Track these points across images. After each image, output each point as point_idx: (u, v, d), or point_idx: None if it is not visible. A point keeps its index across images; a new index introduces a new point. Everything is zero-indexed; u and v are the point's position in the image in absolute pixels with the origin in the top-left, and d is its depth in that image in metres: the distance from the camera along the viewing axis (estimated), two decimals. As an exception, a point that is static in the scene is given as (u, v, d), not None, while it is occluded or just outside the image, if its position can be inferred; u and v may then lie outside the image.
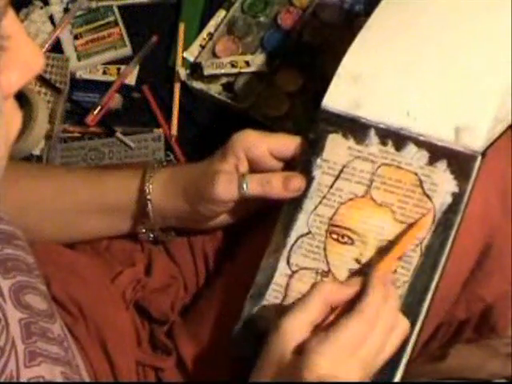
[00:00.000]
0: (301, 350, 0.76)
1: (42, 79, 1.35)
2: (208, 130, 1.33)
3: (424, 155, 0.86)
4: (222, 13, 1.39)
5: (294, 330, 0.77)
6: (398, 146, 0.87)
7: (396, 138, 0.87)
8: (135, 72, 1.38)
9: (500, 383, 1.17)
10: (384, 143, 0.87)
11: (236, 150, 0.88)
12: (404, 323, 0.81)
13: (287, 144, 0.90)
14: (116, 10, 1.41)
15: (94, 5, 1.41)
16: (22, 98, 1.33)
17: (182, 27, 1.39)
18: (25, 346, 0.73)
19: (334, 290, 0.79)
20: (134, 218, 0.94)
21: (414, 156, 0.86)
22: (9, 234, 0.82)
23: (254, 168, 0.90)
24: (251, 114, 1.30)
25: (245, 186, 0.87)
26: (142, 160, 1.32)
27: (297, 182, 0.87)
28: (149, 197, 0.90)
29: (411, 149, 0.86)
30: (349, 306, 0.79)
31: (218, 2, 1.41)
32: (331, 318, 0.79)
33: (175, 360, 0.93)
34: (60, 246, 0.96)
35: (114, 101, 1.36)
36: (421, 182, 0.86)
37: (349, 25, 1.35)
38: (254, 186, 0.87)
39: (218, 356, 0.90)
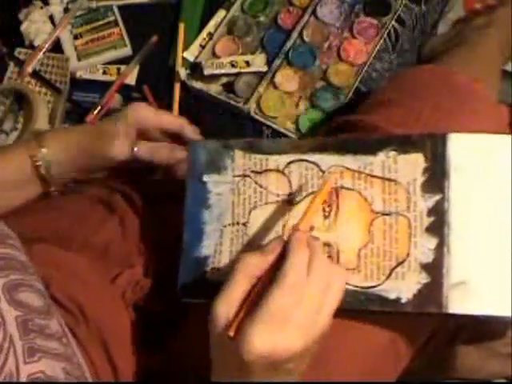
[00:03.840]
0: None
1: (42, 79, 1.35)
2: (208, 130, 1.33)
3: None
4: (222, 13, 1.40)
5: (222, 312, 0.76)
6: None
7: None
8: (135, 72, 1.37)
9: (500, 383, 1.18)
10: None
11: (130, 120, 1.04)
12: (339, 276, 0.77)
13: (174, 120, 1.08)
14: (116, 10, 1.41)
15: (94, 5, 1.41)
16: (22, 98, 1.33)
17: (182, 27, 1.39)
18: (23, 343, 0.73)
19: (256, 261, 0.77)
20: (39, 182, 1.04)
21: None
22: (1, 233, 0.82)
23: (142, 137, 1.05)
24: (251, 114, 1.31)
25: (136, 149, 1.03)
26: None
27: (180, 153, 1.04)
28: (44, 159, 1.02)
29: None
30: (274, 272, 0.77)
31: (218, 2, 1.41)
32: (258, 288, 0.77)
33: (173, 360, 0.93)
34: (59, 249, 0.96)
35: (114, 101, 1.36)
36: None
37: (349, 25, 1.36)
38: (143, 151, 1.03)
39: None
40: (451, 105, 0.94)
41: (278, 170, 0.88)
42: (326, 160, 0.87)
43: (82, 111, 1.34)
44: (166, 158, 1.04)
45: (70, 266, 0.95)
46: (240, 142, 0.91)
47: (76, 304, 0.91)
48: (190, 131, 1.06)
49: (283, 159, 0.88)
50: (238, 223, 0.88)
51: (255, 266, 0.77)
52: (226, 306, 0.76)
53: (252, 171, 0.89)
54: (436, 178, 0.83)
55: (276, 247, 0.78)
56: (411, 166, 0.84)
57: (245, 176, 0.90)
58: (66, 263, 0.95)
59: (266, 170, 0.89)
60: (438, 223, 0.82)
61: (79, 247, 0.98)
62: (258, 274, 0.77)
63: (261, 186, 0.89)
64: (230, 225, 0.89)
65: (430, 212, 0.83)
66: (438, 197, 0.83)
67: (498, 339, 1.16)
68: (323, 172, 0.86)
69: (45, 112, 1.32)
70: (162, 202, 1.02)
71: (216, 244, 0.89)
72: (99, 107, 1.34)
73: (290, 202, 0.87)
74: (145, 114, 1.05)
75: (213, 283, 0.87)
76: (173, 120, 1.07)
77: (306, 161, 0.87)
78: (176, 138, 1.06)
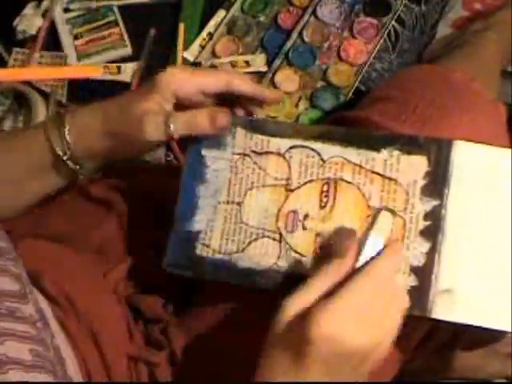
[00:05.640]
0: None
1: (28, 83, 1.34)
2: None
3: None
4: (222, 13, 1.40)
5: (294, 310, 0.75)
6: None
7: None
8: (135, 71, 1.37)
9: (500, 383, 1.17)
10: None
11: (163, 90, 0.88)
12: (405, 299, 0.79)
13: (217, 80, 0.89)
14: (116, 10, 1.42)
15: (94, 5, 1.42)
16: (22, 98, 1.33)
17: (181, 27, 1.39)
18: None
19: (335, 267, 0.77)
20: (61, 169, 0.93)
21: None
22: None
23: (182, 104, 0.90)
24: (251, 114, 1.31)
25: (172, 126, 0.87)
26: (142, 160, 1.32)
27: (222, 117, 0.87)
28: (68, 139, 0.90)
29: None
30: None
31: (218, 1, 1.41)
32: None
33: (168, 355, 0.93)
34: (52, 244, 0.96)
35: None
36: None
37: (349, 25, 1.36)
38: (180, 126, 0.87)
39: (211, 351, 0.90)
40: (447, 100, 0.94)
41: (278, 154, 0.88)
42: (328, 150, 0.86)
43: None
44: (207, 129, 0.87)
45: (62, 260, 0.95)
46: (243, 119, 0.90)
47: (66, 297, 0.90)
48: (240, 85, 0.89)
49: (285, 143, 0.88)
50: (232, 202, 0.88)
51: (335, 271, 0.77)
52: (298, 306, 0.75)
53: (252, 151, 0.89)
54: (437, 183, 0.82)
55: (354, 250, 0.78)
56: (413, 167, 0.83)
57: (245, 155, 0.88)
58: (58, 257, 0.95)
59: (267, 152, 0.88)
60: (433, 228, 0.82)
61: (74, 243, 0.98)
62: (336, 280, 0.76)
63: (260, 168, 0.88)
64: (224, 202, 0.88)
65: (427, 216, 0.82)
66: (436, 202, 0.82)
67: (498, 341, 1.16)
68: (324, 161, 0.86)
69: (44, 112, 1.33)
70: (160, 200, 1.02)
71: (208, 220, 0.88)
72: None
73: (287, 186, 0.87)
74: (180, 80, 0.88)
75: (201, 259, 0.87)
76: (215, 80, 0.89)
77: (308, 148, 0.87)
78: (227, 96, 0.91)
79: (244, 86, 0.89)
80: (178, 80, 0.88)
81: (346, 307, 0.73)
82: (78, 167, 0.92)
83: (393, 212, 0.83)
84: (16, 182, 0.93)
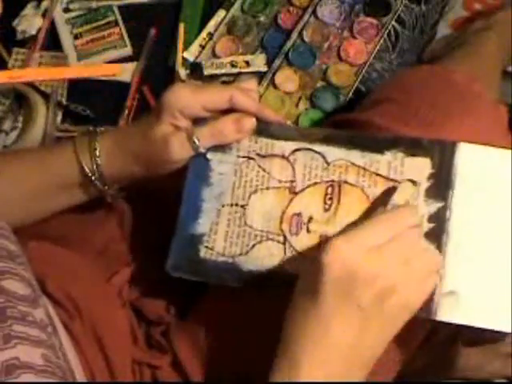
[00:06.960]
0: None
1: (28, 83, 1.34)
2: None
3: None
4: (222, 13, 1.40)
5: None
6: None
7: None
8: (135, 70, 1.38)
9: (500, 383, 1.18)
10: None
11: (171, 111, 0.88)
12: (434, 258, 0.79)
13: (220, 98, 0.88)
14: (116, 10, 1.42)
15: (94, 5, 1.41)
16: (22, 98, 1.33)
17: (181, 27, 1.39)
18: None
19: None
20: (88, 188, 0.94)
21: None
22: None
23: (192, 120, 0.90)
24: (251, 114, 1.31)
25: (196, 140, 0.87)
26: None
27: (248, 121, 0.88)
28: (99, 161, 0.91)
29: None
30: None
31: (218, 2, 1.41)
32: None
33: (170, 358, 0.93)
34: (55, 246, 0.96)
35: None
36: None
37: (349, 25, 1.36)
38: (205, 139, 0.88)
39: (213, 354, 0.91)
40: (449, 102, 0.94)
41: (282, 156, 0.88)
42: (333, 152, 0.86)
43: (82, 111, 1.35)
44: (233, 135, 0.88)
45: (66, 263, 0.95)
46: None
47: (71, 301, 0.90)
48: (243, 102, 0.88)
49: (289, 146, 0.88)
50: (236, 205, 0.88)
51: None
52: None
53: (257, 154, 0.89)
54: (440, 185, 0.83)
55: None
56: (417, 169, 0.84)
57: (249, 158, 0.89)
58: (62, 260, 0.95)
59: (271, 155, 0.88)
60: (437, 230, 0.82)
61: (78, 246, 0.98)
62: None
63: (264, 170, 0.88)
64: (228, 205, 0.88)
65: (431, 218, 0.82)
66: (440, 204, 0.82)
67: (500, 342, 1.16)
68: (328, 164, 0.86)
69: (44, 112, 1.33)
70: (161, 201, 1.02)
71: (212, 223, 0.88)
72: (126, 111, 1.33)
73: (291, 189, 0.87)
74: (184, 99, 0.87)
75: (205, 262, 0.87)
76: (218, 98, 0.88)
77: (312, 150, 0.87)
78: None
79: (246, 103, 0.88)
80: (181, 99, 0.88)
81: (362, 238, 0.75)
82: (106, 188, 0.93)
83: (413, 182, 0.83)
84: (44, 195, 0.94)
